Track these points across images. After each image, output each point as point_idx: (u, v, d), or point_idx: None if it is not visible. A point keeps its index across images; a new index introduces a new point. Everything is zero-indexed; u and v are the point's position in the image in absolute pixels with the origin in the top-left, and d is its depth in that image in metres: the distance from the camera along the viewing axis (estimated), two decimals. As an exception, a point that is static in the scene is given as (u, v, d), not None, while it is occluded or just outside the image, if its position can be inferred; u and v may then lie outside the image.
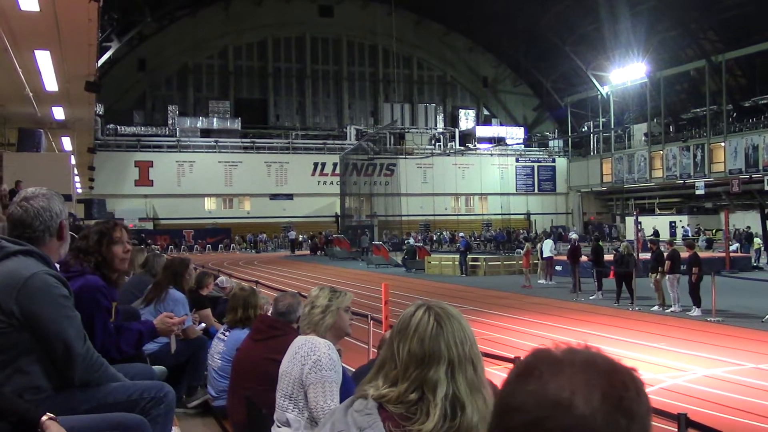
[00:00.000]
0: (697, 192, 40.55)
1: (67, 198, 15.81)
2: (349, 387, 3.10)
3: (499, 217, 49.64)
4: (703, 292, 14.51)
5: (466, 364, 1.55)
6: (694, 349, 10.88)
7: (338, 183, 47.97)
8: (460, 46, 56.18)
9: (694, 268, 14.49)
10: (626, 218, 45.14)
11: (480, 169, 51.86)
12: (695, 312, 14.42)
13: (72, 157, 20.71)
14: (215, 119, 49.54)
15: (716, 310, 13.82)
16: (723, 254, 26.20)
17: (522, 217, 52.54)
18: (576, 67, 49.37)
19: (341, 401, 2.41)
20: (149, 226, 45.43)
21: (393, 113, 53.18)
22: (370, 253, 34.56)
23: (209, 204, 48.36)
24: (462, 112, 56.12)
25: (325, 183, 49.59)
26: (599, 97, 49.64)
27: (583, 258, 20.14)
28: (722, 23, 40.05)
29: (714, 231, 37.80)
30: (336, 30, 53.17)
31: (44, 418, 2.22)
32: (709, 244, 34.14)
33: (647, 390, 0.84)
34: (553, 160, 55.88)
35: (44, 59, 11.07)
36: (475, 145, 53.39)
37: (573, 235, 26.79)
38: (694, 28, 41.21)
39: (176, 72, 50.77)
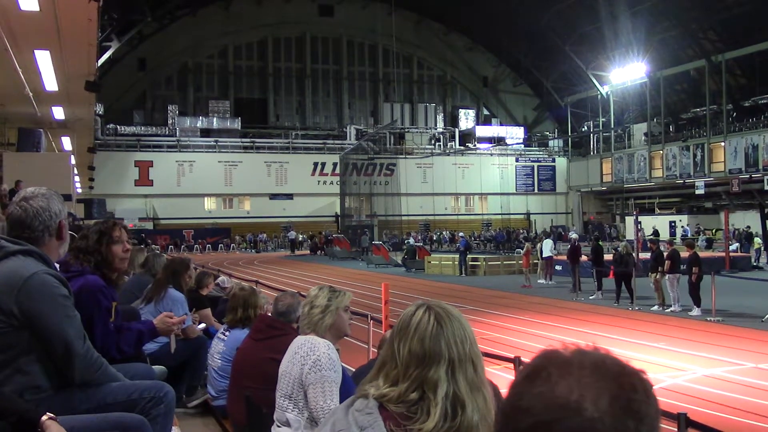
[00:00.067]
0: (697, 192, 40.54)
1: (67, 198, 15.81)
2: (348, 387, 3.10)
3: (499, 216, 49.63)
4: (703, 291, 14.51)
5: (466, 363, 1.56)
6: (693, 349, 10.88)
7: (338, 183, 47.98)
8: (460, 45, 56.17)
9: (694, 268, 14.48)
10: (626, 218, 45.14)
11: (480, 169, 51.85)
12: (695, 312, 14.42)
13: (72, 156, 20.70)
14: (215, 119, 49.54)
15: (716, 309, 13.82)
16: (723, 254, 26.21)
17: (522, 216, 52.56)
18: (576, 67, 49.37)
19: (341, 401, 2.41)
20: (149, 225, 45.44)
21: (393, 113, 53.17)
22: (370, 253, 34.57)
23: (209, 204, 48.37)
24: (462, 111, 56.11)
25: (325, 183, 49.59)
26: (599, 96, 49.63)
27: (583, 258, 20.15)
28: (722, 23, 40.04)
29: (714, 231, 37.80)
30: (336, 30, 53.16)
31: (44, 417, 2.22)
32: (709, 244, 34.14)
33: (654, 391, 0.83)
34: (553, 160, 55.88)
35: (44, 59, 11.07)
36: (475, 145, 53.38)
37: (573, 235, 26.81)
38: (694, 28, 41.20)
39: (176, 72, 50.77)
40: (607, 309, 15.78)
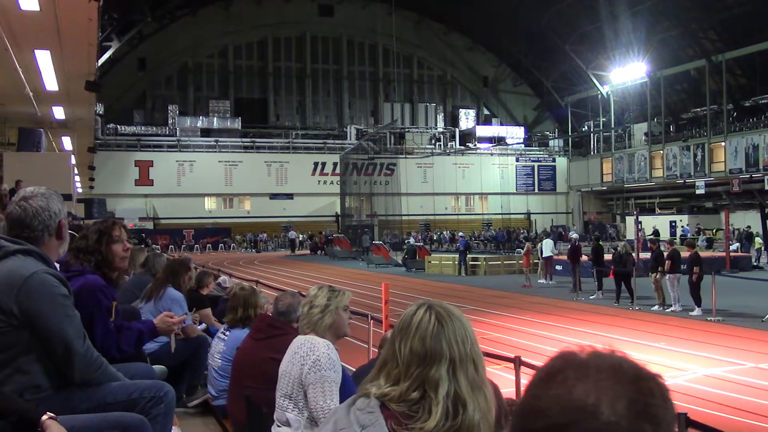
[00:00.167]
0: (698, 192, 40.54)
1: (67, 197, 15.81)
2: (348, 387, 3.10)
3: (500, 216, 49.62)
4: (703, 291, 14.51)
5: (467, 362, 1.56)
6: (694, 349, 10.88)
7: (338, 182, 47.96)
8: (460, 45, 56.17)
9: (695, 268, 14.48)
10: (626, 218, 45.15)
11: (480, 169, 51.85)
12: (696, 312, 14.42)
13: (72, 156, 20.69)
14: (215, 119, 49.54)
15: (716, 309, 13.82)
16: (723, 254, 26.20)
17: (522, 216, 52.55)
18: (576, 67, 49.36)
19: (341, 401, 2.41)
20: (149, 225, 45.45)
21: (393, 113, 53.16)
22: (370, 253, 34.56)
23: (209, 203, 48.37)
24: (462, 111, 56.11)
25: (325, 182, 49.59)
26: (599, 96, 49.62)
27: (584, 258, 20.14)
28: (722, 23, 40.03)
29: (714, 231, 37.80)
30: (336, 29, 53.16)
31: (44, 417, 2.22)
32: (710, 244, 34.14)
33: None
34: (554, 160, 55.87)
35: (44, 59, 11.06)
36: (475, 145, 53.37)
37: (573, 235, 26.79)
38: (694, 28, 41.19)
39: (176, 71, 50.78)
40: (608, 309, 15.78)
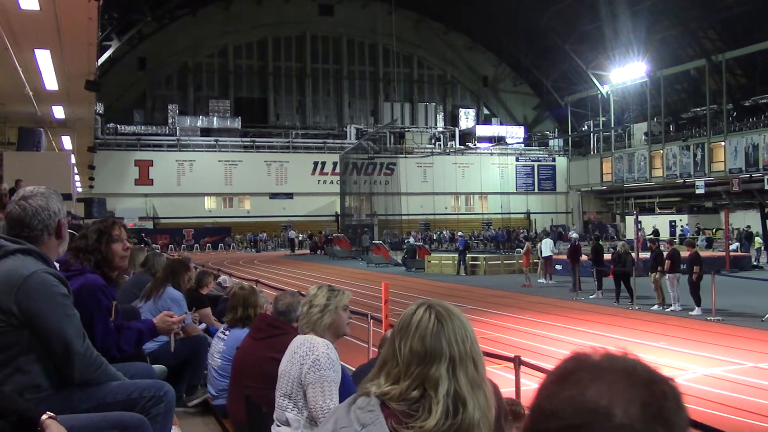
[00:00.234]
0: (697, 191, 40.54)
1: (67, 197, 15.80)
2: (348, 386, 3.10)
3: (499, 216, 49.62)
4: (703, 291, 14.51)
5: (467, 361, 1.56)
6: (693, 348, 10.88)
7: (338, 182, 47.96)
8: (460, 45, 56.15)
9: (695, 267, 14.48)
10: (626, 217, 45.16)
11: (480, 169, 51.84)
12: (696, 311, 14.42)
13: (72, 156, 20.68)
14: (215, 118, 49.53)
15: (716, 309, 13.82)
16: (723, 253, 26.21)
17: (522, 216, 52.54)
18: (576, 66, 49.35)
19: (341, 401, 2.41)
20: (149, 225, 45.44)
21: (393, 112, 53.15)
22: (370, 253, 34.56)
23: (209, 203, 48.36)
24: (462, 111, 56.10)
25: (325, 182, 49.59)
26: (599, 96, 49.61)
27: (583, 257, 20.15)
28: (722, 22, 40.03)
29: (714, 230, 37.81)
30: (336, 29, 53.15)
31: (44, 416, 2.21)
32: (709, 244, 34.14)
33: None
34: (553, 160, 55.86)
35: (44, 58, 11.06)
36: (475, 145, 53.36)
37: (573, 235, 26.80)
38: (694, 27, 41.18)
39: (176, 71, 50.77)
40: (607, 308, 15.78)
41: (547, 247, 22.63)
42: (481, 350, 1.63)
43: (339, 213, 48.13)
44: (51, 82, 12.62)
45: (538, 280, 22.13)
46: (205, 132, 48.93)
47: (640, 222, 30.12)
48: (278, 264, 33.28)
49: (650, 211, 46.25)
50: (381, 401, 1.54)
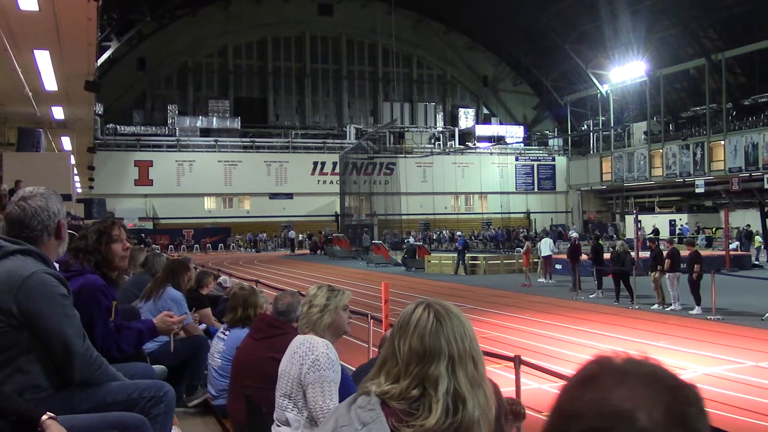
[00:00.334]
0: (697, 190, 40.52)
1: (67, 198, 15.80)
2: (348, 386, 3.10)
3: (499, 215, 49.60)
4: (703, 290, 14.52)
5: (466, 359, 1.56)
6: (694, 347, 10.89)
7: (338, 182, 47.96)
8: (459, 44, 56.15)
9: (695, 266, 14.48)
10: (626, 217, 45.16)
11: (480, 168, 51.84)
12: (695, 310, 14.42)
13: (71, 156, 20.68)
14: (215, 118, 49.52)
15: (716, 308, 13.83)
16: (723, 252, 26.21)
17: (522, 215, 52.55)
18: (576, 66, 49.35)
19: (341, 400, 2.41)
20: (149, 225, 45.45)
21: (393, 112, 53.14)
22: (370, 252, 34.56)
23: (209, 203, 48.36)
24: (462, 110, 56.09)
25: (324, 182, 49.58)
26: (599, 95, 49.61)
27: (583, 257, 20.15)
28: (722, 21, 40.04)
29: (714, 229, 37.82)
30: (336, 29, 53.14)
31: (44, 417, 2.21)
32: (709, 243, 34.15)
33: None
34: (553, 159, 55.86)
35: (44, 59, 11.06)
36: (474, 144, 53.35)
37: (573, 234, 26.79)
38: (694, 27, 41.18)
39: (176, 71, 50.76)
40: (608, 308, 15.78)
41: (546, 246, 22.65)
42: (480, 349, 1.63)
43: (339, 213, 48.13)
44: (50, 83, 12.62)
45: (538, 280, 22.14)
46: (205, 132, 48.92)
47: (640, 221, 30.13)
48: (278, 264, 33.28)
49: (650, 210, 46.26)
50: (381, 400, 1.54)
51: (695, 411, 0.80)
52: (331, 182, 49.03)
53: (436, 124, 55.11)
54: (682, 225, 40.56)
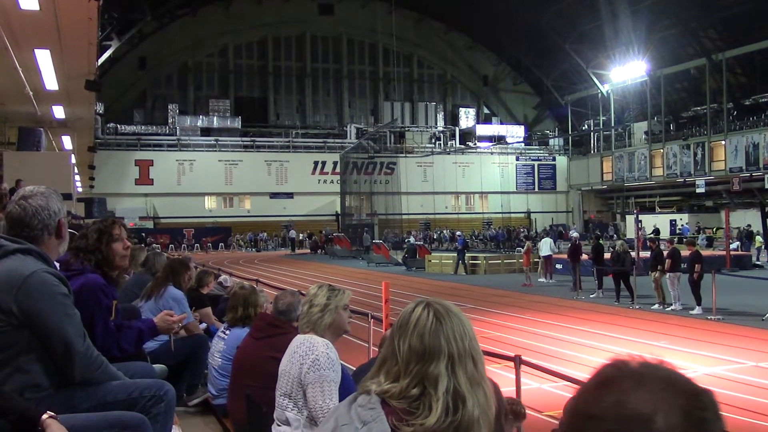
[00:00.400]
0: (698, 190, 40.53)
1: (68, 197, 15.81)
2: (348, 386, 3.10)
3: (500, 215, 49.61)
4: (703, 290, 14.51)
5: (466, 358, 1.57)
6: (694, 347, 10.88)
7: (338, 182, 47.97)
8: (460, 44, 56.14)
9: (696, 266, 14.48)
10: (626, 217, 45.15)
11: (480, 168, 51.83)
12: (696, 310, 14.42)
13: (72, 156, 20.66)
14: (215, 118, 49.52)
15: (717, 308, 13.82)
16: (723, 252, 26.20)
17: (522, 215, 52.54)
18: (576, 66, 49.34)
19: (341, 400, 2.41)
20: (149, 224, 45.46)
21: (393, 112, 53.13)
22: (370, 252, 34.56)
23: (209, 203, 48.36)
24: (462, 110, 56.08)
25: (325, 182, 49.59)
26: (599, 95, 49.60)
27: (584, 256, 20.14)
28: (723, 21, 40.02)
29: (714, 229, 37.81)
30: (336, 28, 53.13)
31: (44, 416, 2.21)
32: (710, 243, 34.14)
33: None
34: (554, 159, 55.85)
35: (44, 58, 11.05)
36: (475, 144, 53.35)
37: (574, 234, 26.78)
38: (694, 26, 41.16)
39: (176, 70, 50.77)
40: (608, 308, 15.78)
41: (547, 246, 22.64)
42: (480, 348, 1.63)
43: (339, 212, 48.13)
44: (51, 82, 12.62)
45: (539, 280, 22.14)
46: (206, 132, 48.93)
47: (641, 221, 30.13)
48: (279, 263, 33.28)
49: (650, 210, 46.24)
50: (381, 399, 1.54)
51: (711, 415, 0.81)
52: (332, 182, 49.04)
53: (436, 124, 55.10)
54: (682, 225, 40.55)
